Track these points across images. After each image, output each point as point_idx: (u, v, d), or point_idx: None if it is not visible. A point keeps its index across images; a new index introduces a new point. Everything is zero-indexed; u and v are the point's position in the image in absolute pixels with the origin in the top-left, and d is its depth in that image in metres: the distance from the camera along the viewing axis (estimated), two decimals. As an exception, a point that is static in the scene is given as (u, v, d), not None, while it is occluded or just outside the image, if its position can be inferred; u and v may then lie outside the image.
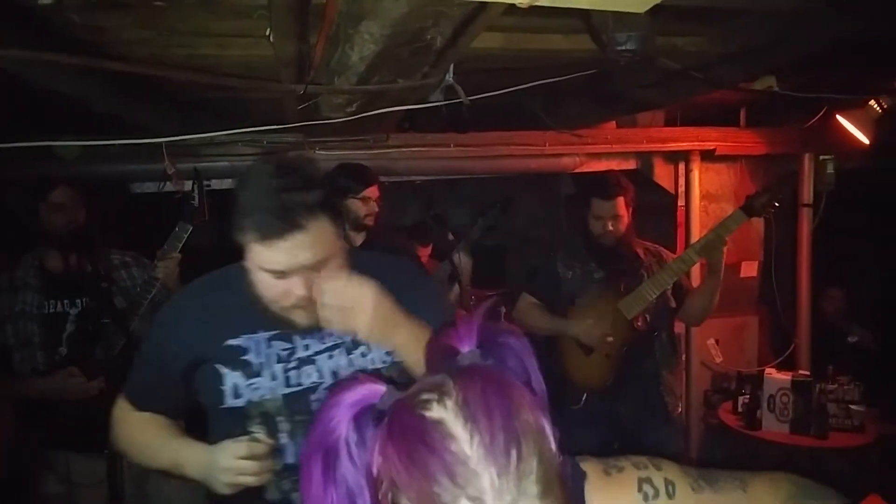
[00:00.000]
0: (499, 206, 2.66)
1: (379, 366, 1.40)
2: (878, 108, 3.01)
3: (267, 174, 1.21)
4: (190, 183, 2.69)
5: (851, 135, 3.15)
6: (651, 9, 1.19)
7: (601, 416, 2.70)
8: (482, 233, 2.66)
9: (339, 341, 1.38)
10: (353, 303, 1.26)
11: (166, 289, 2.55)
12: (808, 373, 3.05)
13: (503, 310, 4.08)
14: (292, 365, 1.36)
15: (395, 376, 1.39)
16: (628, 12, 1.24)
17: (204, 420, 1.43)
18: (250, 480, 1.23)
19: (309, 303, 1.25)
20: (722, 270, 2.66)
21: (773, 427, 2.91)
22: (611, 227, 2.72)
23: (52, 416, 2.41)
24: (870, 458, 2.77)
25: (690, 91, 2.47)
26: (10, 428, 2.46)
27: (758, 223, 3.80)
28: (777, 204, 2.65)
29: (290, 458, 1.34)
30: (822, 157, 3.61)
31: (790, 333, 3.71)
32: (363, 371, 1.38)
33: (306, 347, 1.37)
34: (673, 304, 2.79)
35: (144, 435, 1.43)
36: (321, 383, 1.36)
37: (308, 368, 1.36)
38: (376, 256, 1.57)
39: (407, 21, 1.21)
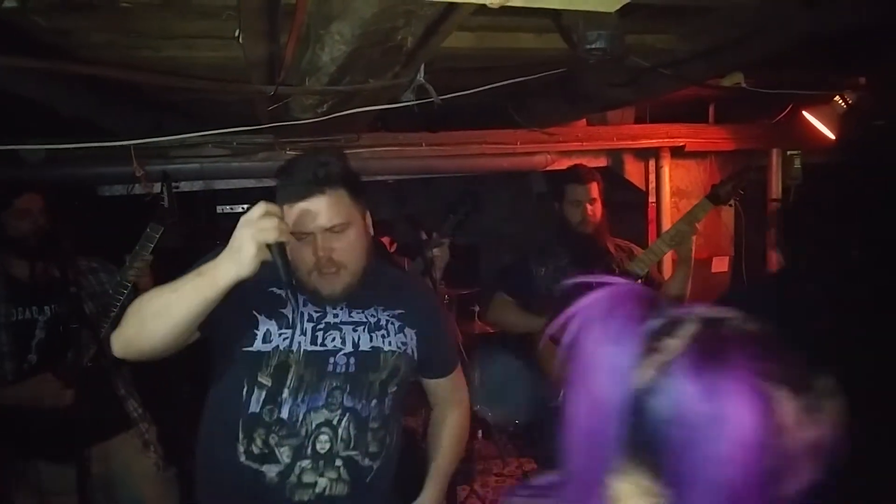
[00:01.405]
0: (468, 203, 2.67)
1: (394, 349, 1.53)
2: (843, 104, 3.08)
3: (299, 159, 1.52)
4: (159, 185, 2.66)
5: (818, 130, 3.22)
6: (621, 7, 1.21)
7: None
8: (453, 229, 2.67)
9: (364, 320, 1.53)
10: None
11: (138, 291, 2.51)
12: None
13: (476, 308, 4.13)
14: (320, 327, 1.48)
15: (403, 365, 1.54)
16: (598, 11, 1.25)
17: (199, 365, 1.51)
18: (273, 235, 1.26)
19: (331, 267, 1.43)
20: (692, 259, 2.72)
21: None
22: (589, 212, 2.77)
23: (23, 425, 2.36)
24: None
25: (660, 88, 2.51)
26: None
27: (728, 219, 3.87)
28: (742, 191, 2.71)
29: (283, 413, 1.41)
30: (789, 153, 3.70)
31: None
32: (380, 350, 1.51)
33: (335, 315, 1.51)
34: None
35: (164, 290, 1.34)
36: (341, 349, 1.48)
37: (333, 333, 1.49)
38: (398, 271, 1.83)
39: (377, 21, 1.21)
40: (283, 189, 1.46)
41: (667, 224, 3.78)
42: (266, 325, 1.45)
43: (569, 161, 3.67)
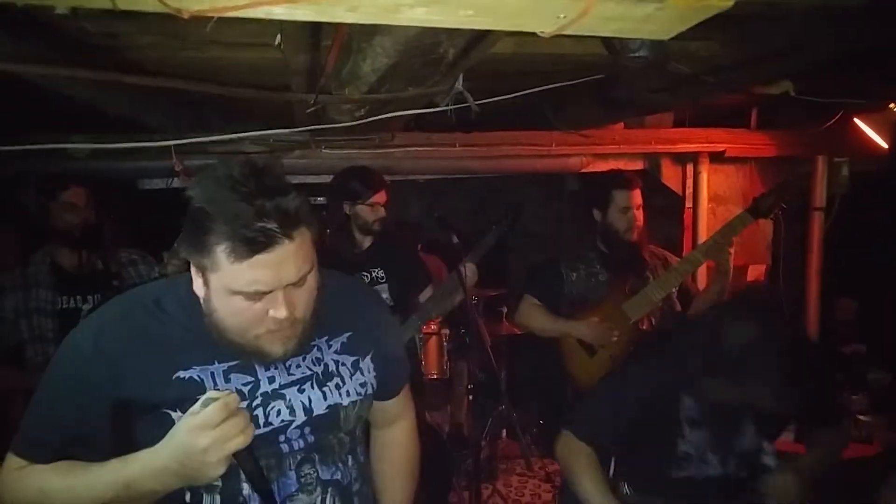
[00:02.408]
0: (511, 216, 2.62)
1: (354, 399, 1.26)
2: (897, 112, 2.98)
3: (234, 179, 0.99)
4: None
5: (869, 138, 3.12)
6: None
7: None
8: (495, 242, 2.63)
9: (309, 373, 1.21)
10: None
11: None
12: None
13: (504, 309, 4.12)
14: (257, 402, 1.15)
15: (364, 413, 1.31)
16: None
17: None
18: (241, 441, 0.99)
19: (290, 325, 1.08)
20: (730, 272, 2.65)
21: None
22: (636, 219, 2.71)
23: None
24: (875, 469, 2.75)
25: (701, 95, 2.46)
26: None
27: (766, 226, 3.78)
28: (784, 206, 2.63)
29: None
30: (836, 160, 3.58)
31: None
32: (338, 406, 1.23)
33: (271, 380, 1.17)
34: (678, 308, 2.78)
35: (60, 479, 1.08)
36: (292, 421, 1.18)
37: (276, 404, 1.17)
38: (336, 275, 1.38)
39: (420, 37, 1.20)
40: (228, 238, 0.98)
41: (703, 230, 3.71)
42: None
43: (604, 164, 3.63)
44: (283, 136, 2.89)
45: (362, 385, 1.28)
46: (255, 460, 1.04)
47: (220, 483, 1.13)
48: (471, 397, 3.48)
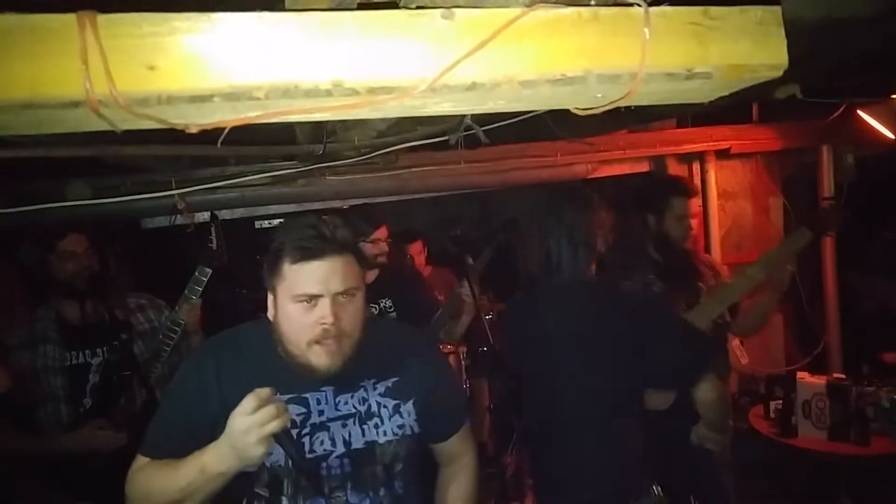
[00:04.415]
0: (505, 232, 2.61)
1: (391, 438, 1.42)
2: (900, 103, 2.93)
3: (304, 219, 1.37)
4: (201, 215, 2.66)
5: (874, 129, 3.07)
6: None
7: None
8: (491, 257, 2.62)
9: (353, 411, 1.40)
10: None
11: (188, 334, 2.52)
12: (843, 375, 2.98)
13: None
14: (306, 431, 1.37)
15: (403, 451, 1.44)
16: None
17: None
18: (275, 425, 1.19)
19: (335, 336, 1.30)
20: (785, 286, 2.57)
21: (811, 434, 2.84)
22: (692, 229, 2.62)
23: (75, 466, 2.40)
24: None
25: (710, 105, 2.40)
26: (41, 486, 2.45)
27: (776, 218, 3.74)
28: (845, 218, 2.55)
29: None
30: (840, 149, 3.53)
31: (819, 332, 3.65)
32: (374, 443, 1.40)
33: (320, 413, 1.39)
34: (728, 319, 2.70)
35: (163, 471, 1.34)
36: (332, 451, 1.37)
37: (321, 435, 1.38)
38: (391, 323, 1.68)
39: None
40: (291, 245, 1.32)
41: (714, 227, 3.67)
42: None
43: (610, 169, 3.58)
44: (288, 170, 2.84)
45: (400, 427, 1.43)
46: (295, 442, 1.26)
47: (265, 493, 1.36)
48: (491, 416, 3.45)
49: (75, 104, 0.60)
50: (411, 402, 1.46)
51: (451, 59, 0.67)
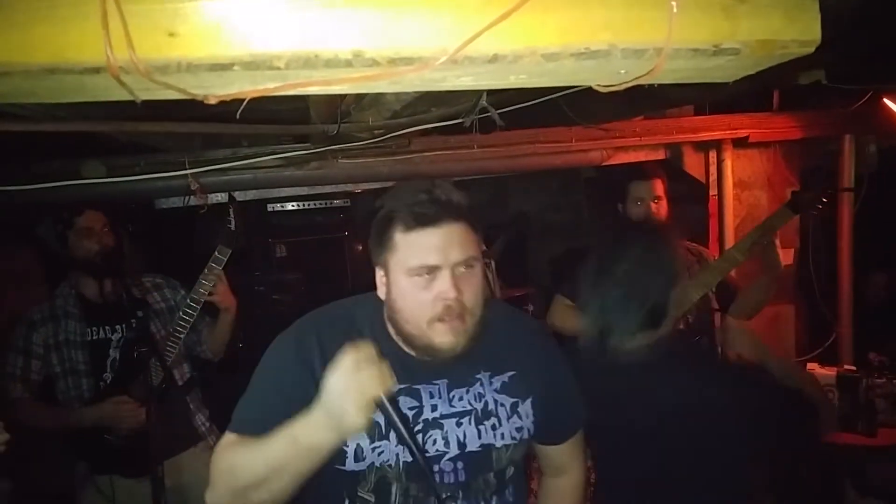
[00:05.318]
0: (517, 224, 2.61)
1: (508, 442, 1.28)
2: (928, 90, 2.87)
3: (413, 185, 1.22)
4: (214, 196, 2.68)
5: (898, 116, 3.01)
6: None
7: None
8: (502, 249, 2.62)
9: (469, 408, 1.26)
10: None
11: (211, 312, 2.58)
12: (854, 367, 2.97)
13: (530, 308, 4.06)
14: (418, 427, 1.23)
15: (520, 452, 1.32)
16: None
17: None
18: (378, 388, 1.03)
19: (459, 312, 1.16)
20: (779, 266, 2.57)
21: (820, 425, 2.84)
22: (653, 210, 2.64)
23: (99, 442, 2.45)
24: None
25: (730, 88, 2.37)
26: (59, 458, 2.50)
27: (794, 209, 3.69)
28: (825, 199, 2.55)
29: None
30: (863, 138, 3.47)
31: (831, 323, 3.61)
32: (491, 447, 1.27)
33: (433, 408, 1.24)
34: (716, 306, 2.71)
35: (252, 445, 1.17)
36: (446, 453, 1.24)
37: (434, 433, 1.24)
38: (508, 310, 1.48)
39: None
40: (405, 212, 1.17)
41: (729, 217, 3.63)
42: (356, 440, 1.22)
43: (626, 156, 3.55)
44: (301, 152, 2.83)
45: (518, 429, 1.29)
46: (398, 408, 1.07)
47: (371, 498, 1.23)
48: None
49: (96, 70, 0.60)
50: (529, 400, 1.32)
51: (474, 30, 0.66)
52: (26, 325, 2.47)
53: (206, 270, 2.50)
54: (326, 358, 1.14)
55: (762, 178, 3.72)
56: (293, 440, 1.08)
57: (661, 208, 2.70)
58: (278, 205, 4.96)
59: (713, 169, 3.65)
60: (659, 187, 2.71)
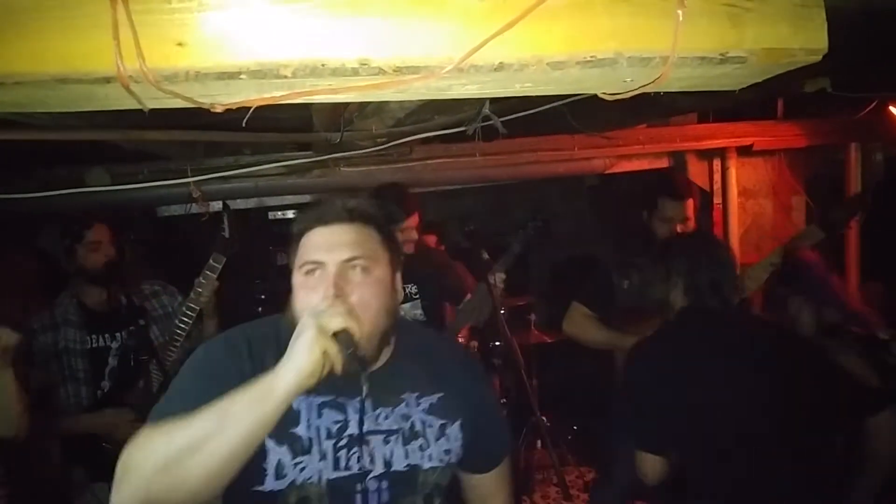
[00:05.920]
0: (536, 224, 2.55)
1: (435, 464, 1.24)
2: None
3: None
4: (216, 204, 2.68)
5: (902, 126, 3.00)
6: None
7: None
8: (520, 250, 2.56)
9: (397, 427, 1.22)
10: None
11: (202, 319, 2.56)
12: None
13: (532, 317, 4.04)
14: (343, 443, 1.17)
15: (445, 482, 1.27)
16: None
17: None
18: (338, 320, 1.02)
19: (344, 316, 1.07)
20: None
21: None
22: (679, 231, 2.55)
23: (95, 449, 2.44)
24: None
25: (734, 97, 2.37)
26: (57, 465, 2.49)
27: (798, 219, 3.69)
28: (856, 219, 2.52)
29: None
30: (869, 146, 3.46)
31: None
32: (418, 468, 1.22)
33: (360, 424, 1.18)
34: None
35: (166, 428, 1.06)
36: (370, 471, 1.18)
37: (359, 450, 1.18)
38: (434, 335, 1.43)
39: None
40: (308, 220, 1.19)
41: (733, 226, 3.62)
42: (277, 455, 1.13)
43: (629, 163, 3.55)
44: (302, 160, 2.84)
45: (446, 452, 1.25)
46: (354, 343, 1.02)
47: None
48: (504, 411, 3.43)
49: (106, 79, 0.60)
50: (458, 423, 1.27)
51: (480, 38, 0.66)
52: (26, 333, 2.47)
53: (201, 278, 2.50)
54: (254, 353, 1.15)
55: (767, 186, 3.71)
56: (221, 410, 0.99)
57: (687, 230, 2.59)
58: (279, 213, 4.96)
59: (717, 177, 3.65)
60: (690, 208, 2.60)
